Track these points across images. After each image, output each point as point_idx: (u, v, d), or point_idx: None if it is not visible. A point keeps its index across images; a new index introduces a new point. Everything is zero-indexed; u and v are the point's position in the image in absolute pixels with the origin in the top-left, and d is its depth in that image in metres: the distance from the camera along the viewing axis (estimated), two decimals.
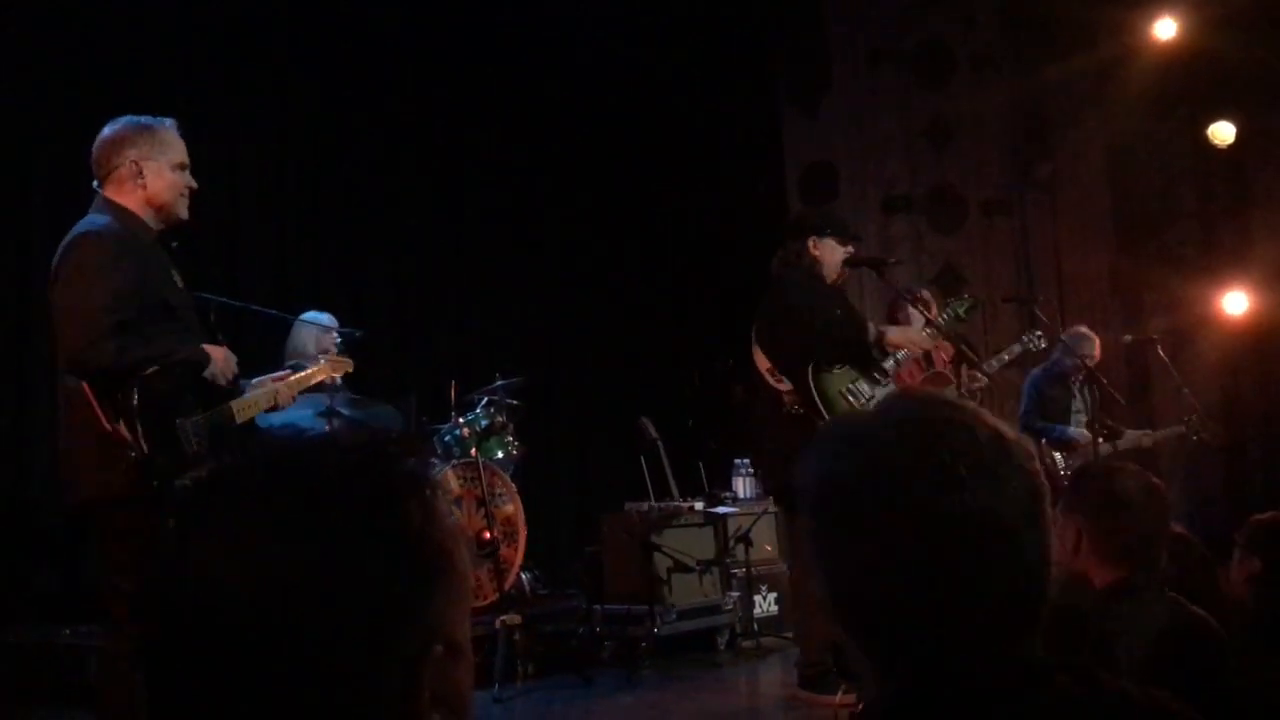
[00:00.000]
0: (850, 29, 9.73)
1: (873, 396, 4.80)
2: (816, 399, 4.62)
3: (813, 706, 4.58)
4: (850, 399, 4.73)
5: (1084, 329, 7.36)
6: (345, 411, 6.06)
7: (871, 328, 4.78)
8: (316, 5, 7.71)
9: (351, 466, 0.94)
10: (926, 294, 6.09)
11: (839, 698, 4.41)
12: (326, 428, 5.94)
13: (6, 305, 6.30)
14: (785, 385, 4.74)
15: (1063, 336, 7.25)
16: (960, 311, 5.28)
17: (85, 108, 6.41)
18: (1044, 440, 7.09)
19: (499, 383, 6.76)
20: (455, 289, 8.59)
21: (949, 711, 1.12)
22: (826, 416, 4.60)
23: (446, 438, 6.49)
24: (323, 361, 4.17)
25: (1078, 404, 7.19)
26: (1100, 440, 6.92)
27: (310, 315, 6.53)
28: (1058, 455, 7.02)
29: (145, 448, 3.02)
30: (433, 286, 8.46)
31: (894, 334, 4.82)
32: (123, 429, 3.02)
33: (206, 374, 3.31)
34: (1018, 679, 1.12)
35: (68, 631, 5.67)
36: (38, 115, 6.49)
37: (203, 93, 7.12)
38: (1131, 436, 7.01)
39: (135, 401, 3.03)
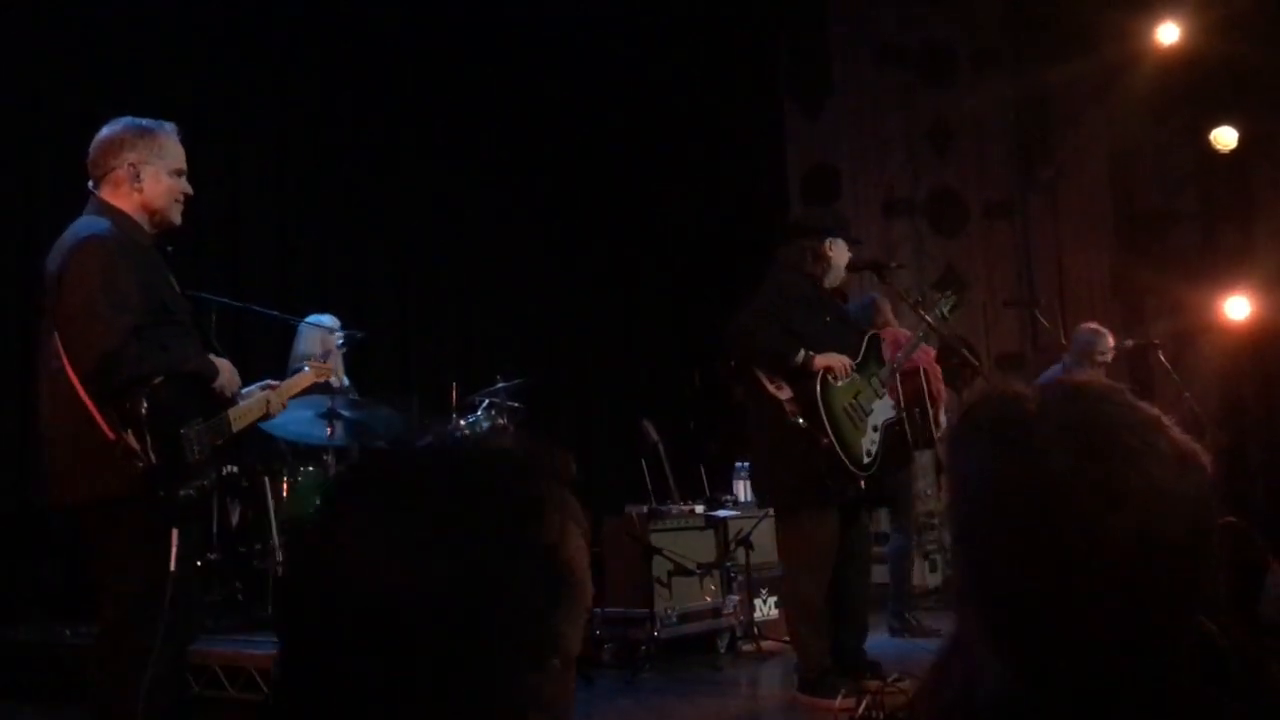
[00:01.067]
0: (853, 30, 9.74)
1: (870, 412, 4.81)
2: (823, 414, 4.60)
3: (813, 711, 4.58)
4: (851, 414, 4.72)
5: (1094, 325, 7.28)
6: (346, 413, 6.04)
7: (801, 352, 4.65)
8: (318, 5, 7.71)
9: (505, 474, 0.97)
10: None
11: (838, 701, 4.41)
12: (328, 430, 5.94)
13: (10, 304, 6.29)
14: (786, 393, 4.70)
15: (1076, 337, 7.20)
16: (945, 311, 5.27)
17: (87, 106, 6.42)
18: None
19: (500, 384, 6.76)
20: (456, 289, 8.59)
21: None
22: (830, 433, 4.59)
23: None
24: (307, 369, 4.15)
25: None
26: None
27: (314, 318, 6.53)
28: None
29: (153, 458, 3.01)
30: (434, 287, 8.46)
31: (821, 359, 4.68)
32: (130, 438, 3.00)
33: (216, 385, 3.31)
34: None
35: (69, 632, 5.67)
36: (40, 113, 6.49)
37: (204, 92, 7.12)
38: None
39: (145, 412, 3.02)
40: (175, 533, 3.05)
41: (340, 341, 6.49)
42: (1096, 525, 0.99)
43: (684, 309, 9.67)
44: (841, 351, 4.79)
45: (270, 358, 6.97)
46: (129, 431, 3.01)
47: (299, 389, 4.03)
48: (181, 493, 3.07)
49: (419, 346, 8.25)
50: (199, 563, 5.72)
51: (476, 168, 8.66)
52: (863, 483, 4.68)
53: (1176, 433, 1.06)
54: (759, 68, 9.71)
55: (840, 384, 4.69)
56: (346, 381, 6.53)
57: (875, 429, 4.78)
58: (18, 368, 6.21)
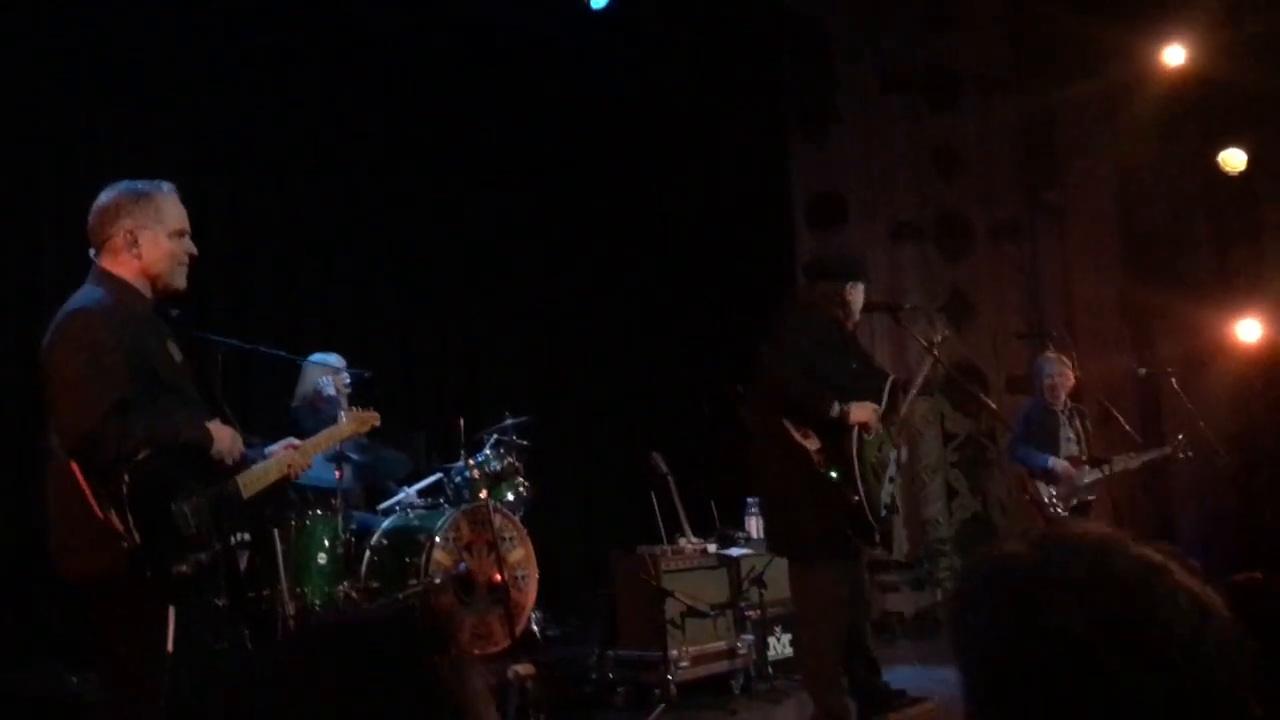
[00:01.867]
0: (857, 56, 9.69)
1: (888, 464, 4.75)
2: (856, 471, 4.52)
3: None
4: (875, 471, 4.66)
5: (1048, 354, 7.35)
6: (354, 456, 6.02)
7: (836, 405, 4.59)
8: (325, 45, 7.70)
9: (385, 630, 1.08)
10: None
11: None
12: (337, 473, 5.90)
13: (17, 341, 6.24)
14: (814, 443, 4.60)
15: (1034, 367, 7.35)
16: (937, 338, 5.23)
17: (96, 162, 6.43)
18: (1029, 470, 7.08)
19: (508, 421, 6.72)
20: (462, 326, 8.56)
21: None
22: (861, 491, 4.52)
23: (456, 479, 6.44)
24: (344, 419, 4.07)
25: (1067, 432, 7.12)
26: (1088, 468, 6.90)
27: (318, 356, 6.50)
28: (1043, 486, 6.98)
29: (137, 537, 2.94)
30: (440, 324, 8.43)
31: (856, 412, 4.62)
32: (114, 518, 2.93)
33: (213, 453, 3.22)
34: None
35: (75, 679, 5.62)
36: (46, 178, 6.46)
37: (210, 133, 7.11)
38: (1119, 461, 6.95)
39: (126, 490, 2.94)
40: (171, 611, 2.98)
41: (348, 380, 6.46)
42: (1123, 688, 0.96)
43: (692, 337, 9.62)
44: (866, 396, 4.73)
45: (276, 398, 6.95)
46: (113, 511, 2.94)
47: (333, 441, 3.95)
48: (175, 570, 3.00)
49: (426, 384, 8.22)
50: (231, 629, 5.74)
51: (481, 202, 8.64)
52: (878, 536, 4.64)
53: (1186, 577, 1.03)
54: (763, 95, 9.66)
55: (870, 438, 4.63)
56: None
57: (891, 480, 4.74)
58: (20, 414, 6.18)
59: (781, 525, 4.90)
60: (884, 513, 4.66)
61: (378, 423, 4.26)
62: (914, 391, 5.03)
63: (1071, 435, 7.10)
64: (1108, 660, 0.96)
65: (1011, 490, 8.52)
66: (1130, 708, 0.96)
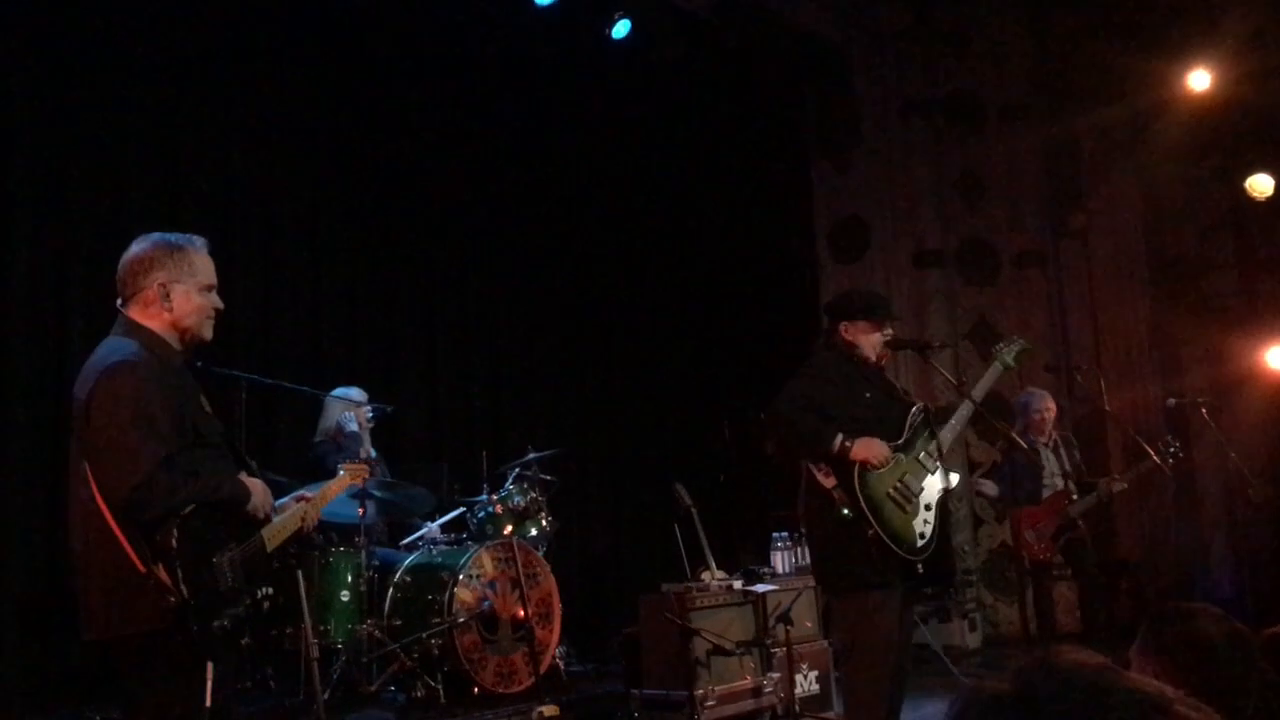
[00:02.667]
0: (879, 83, 9.67)
1: (921, 490, 4.66)
2: (863, 505, 4.47)
3: None
4: (897, 498, 4.59)
5: (1032, 389, 7.38)
6: (377, 493, 6.00)
7: (839, 439, 4.52)
8: (349, 82, 7.72)
9: None
10: None
11: None
12: (360, 510, 5.87)
13: (44, 374, 6.25)
14: (832, 481, 4.57)
15: (1017, 402, 7.40)
16: (1009, 359, 5.12)
17: (123, 216, 6.45)
18: (1013, 514, 7.08)
19: (530, 455, 6.68)
20: (486, 359, 8.54)
21: None
22: (875, 523, 4.46)
23: (480, 514, 6.40)
24: (341, 472, 4.06)
25: (1052, 466, 7.08)
26: (1074, 498, 6.87)
27: (341, 391, 6.48)
28: (1025, 531, 6.96)
29: (185, 591, 2.92)
30: (464, 358, 8.41)
31: (859, 448, 4.54)
32: (161, 572, 2.91)
33: (248, 509, 3.20)
34: None
35: (98, 718, 5.60)
36: (72, 222, 6.48)
37: (234, 166, 7.12)
38: (1103, 485, 6.88)
39: (175, 545, 2.93)
40: (210, 665, 2.95)
41: (370, 414, 6.44)
42: None
43: (713, 364, 9.58)
44: (884, 427, 4.67)
45: (300, 432, 6.94)
46: (160, 565, 2.91)
47: (335, 494, 3.94)
48: (215, 624, 2.98)
49: (449, 417, 8.19)
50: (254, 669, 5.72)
51: (504, 236, 8.64)
52: (920, 567, 4.55)
53: (1187, 709, 1.00)
54: (786, 123, 9.65)
55: (881, 471, 4.56)
56: (374, 453, 6.47)
57: (929, 507, 4.64)
58: (44, 449, 6.18)
59: (819, 562, 4.87)
60: (921, 542, 4.57)
61: (368, 475, 4.26)
62: (954, 429, 4.95)
63: (1057, 469, 7.06)
64: None
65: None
66: None
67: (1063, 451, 7.08)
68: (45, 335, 6.32)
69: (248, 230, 7.05)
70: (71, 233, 6.46)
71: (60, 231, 6.45)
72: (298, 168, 7.51)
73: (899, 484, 4.60)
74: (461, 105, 8.33)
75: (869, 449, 4.52)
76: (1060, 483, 6.99)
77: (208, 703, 2.94)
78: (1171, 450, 6.93)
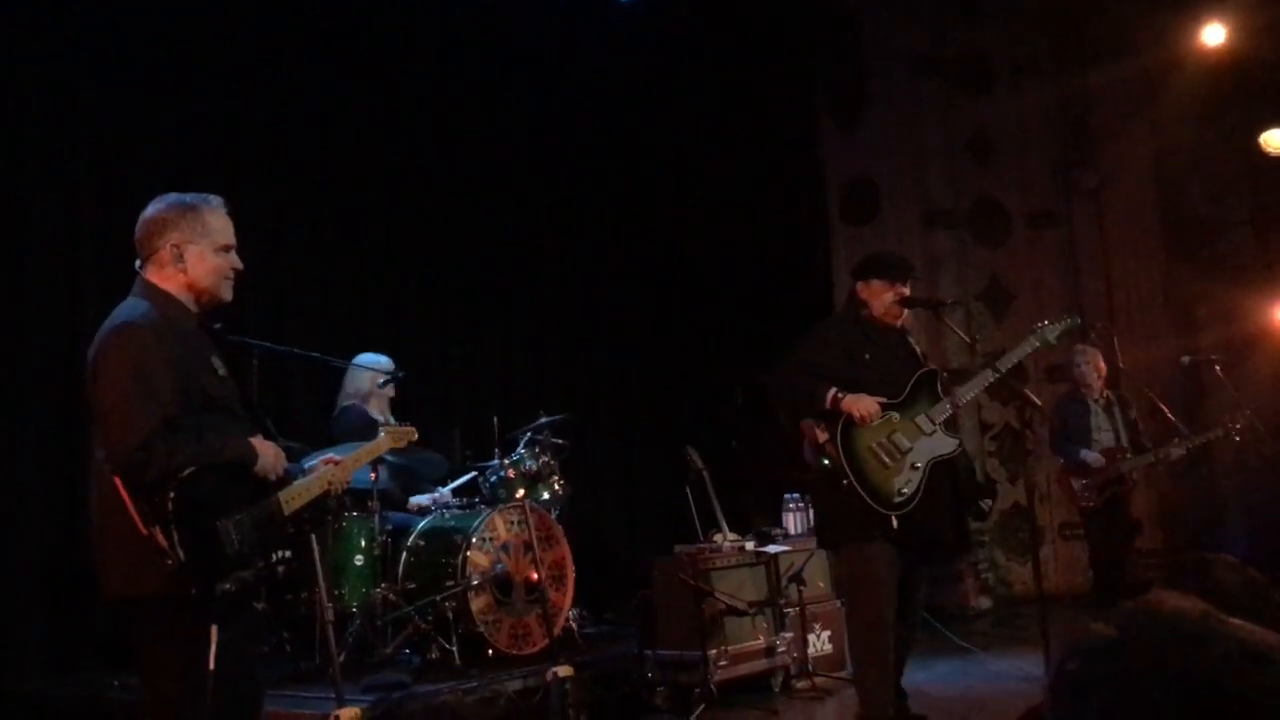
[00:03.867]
0: (889, 41, 9.58)
1: (910, 449, 4.68)
2: (841, 454, 4.57)
3: None
4: (882, 455, 4.62)
5: (1079, 345, 7.26)
6: (390, 458, 6.00)
7: (831, 392, 4.64)
8: (362, 50, 7.68)
9: None
10: None
11: None
12: (372, 474, 5.88)
13: (57, 347, 6.26)
14: (823, 435, 4.68)
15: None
16: (1051, 338, 5.11)
17: (134, 168, 6.44)
18: (1063, 463, 7.03)
19: (542, 420, 6.68)
20: (497, 323, 8.53)
21: None
22: (850, 474, 4.55)
23: (492, 479, 6.41)
24: (383, 434, 4.04)
25: (1099, 421, 7.05)
26: (1130, 456, 6.83)
27: (365, 358, 6.47)
28: (1074, 480, 6.94)
29: (182, 555, 2.91)
30: (474, 322, 8.40)
31: (849, 401, 4.63)
32: (159, 535, 2.90)
33: (256, 469, 3.19)
34: None
35: (116, 684, 5.64)
36: (86, 185, 6.49)
37: (246, 136, 7.10)
38: (1164, 451, 6.84)
39: (171, 508, 2.92)
40: (214, 629, 2.94)
41: (381, 382, 6.44)
42: None
43: (725, 328, 9.56)
44: (884, 388, 4.71)
45: (312, 400, 6.95)
46: (157, 528, 2.91)
47: (371, 457, 3.92)
48: (219, 588, 2.97)
49: (460, 383, 8.19)
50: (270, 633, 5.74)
51: (513, 200, 8.60)
52: (894, 520, 4.59)
53: None
54: (795, 83, 9.57)
55: (870, 426, 4.63)
56: (393, 421, 6.47)
57: (915, 467, 4.66)
58: (63, 414, 6.21)
59: (817, 517, 5.09)
60: (898, 499, 4.61)
61: (415, 438, 4.21)
62: (967, 395, 4.96)
63: (1106, 425, 7.01)
64: None
65: (1050, 480, 8.42)
66: None
67: (1117, 410, 7.03)
68: (57, 302, 6.33)
69: (257, 196, 7.01)
70: (82, 196, 6.46)
71: (71, 195, 6.45)
72: (306, 134, 7.48)
73: (885, 440, 4.67)
74: (469, 69, 8.30)
75: (857, 403, 4.62)
76: (1109, 439, 6.97)
77: (210, 666, 2.93)
78: (1238, 426, 6.86)
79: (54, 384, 6.23)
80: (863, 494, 4.55)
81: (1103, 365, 7.12)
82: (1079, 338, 7.50)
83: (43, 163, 6.41)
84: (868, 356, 4.81)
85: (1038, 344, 5.03)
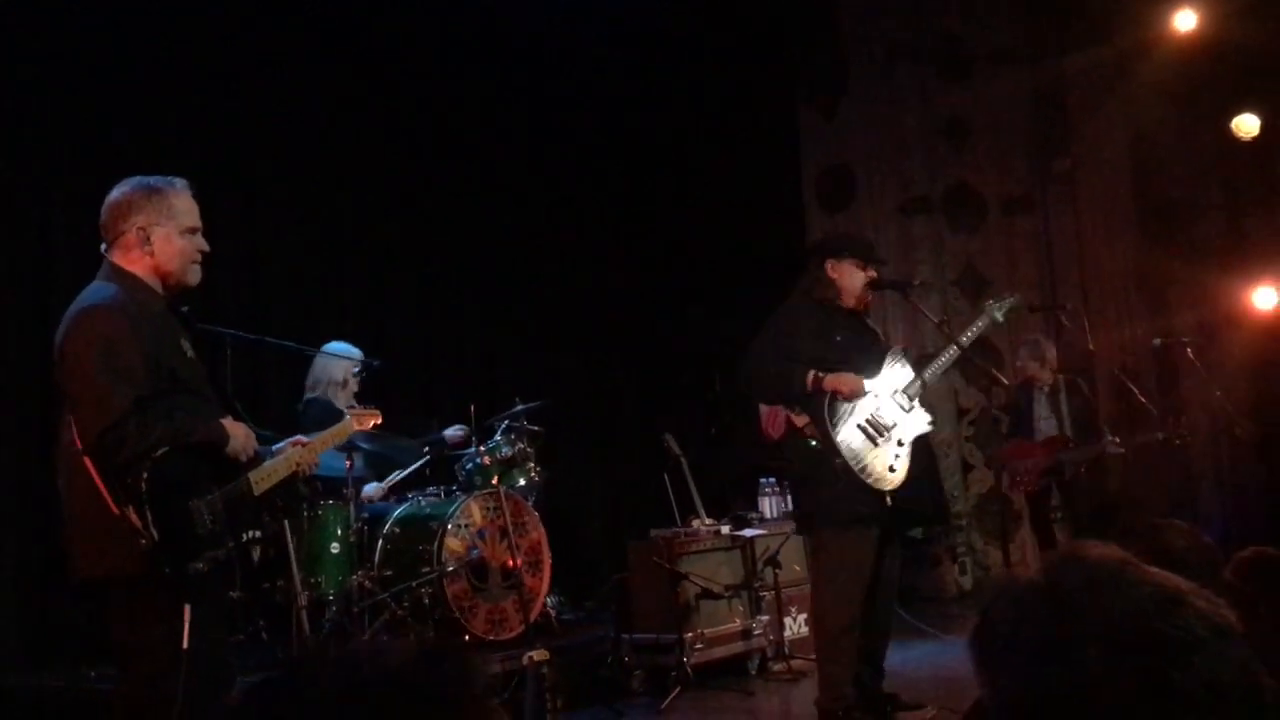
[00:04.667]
0: (866, 27, 9.60)
1: (894, 425, 4.70)
2: (832, 434, 4.55)
3: None
4: (871, 432, 4.63)
5: (1026, 337, 7.47)
6: (365, 445, 6.00)
7: (810, 374, 4.61)
8: (335, 32, 7.65)
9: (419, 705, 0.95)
10: None
11: None
12: (347, 463, 5.89)
13: (32, 335, 6.24)
14: (803, 418, 4.65)
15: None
16: (998, 315, 5.15)
17: (107, 153, 6.40)
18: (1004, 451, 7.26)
19: (519, 407, 6.70)
20: (475, 311, 8.53)
21: None
22: (842, 455, 4.54)
23: (468, 465, 6.43)
24: (348, 417, 4.07)
25: (1041, 410, 7.15)
26: (1071, 445, 6.92)
27: (335, 346, 6.46)
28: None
29: (155, 534, 2.93)
30: (453, 310, 8.40)
31: (831, 379, 4.63)
32: (132, 515, 2.92)
33: (228, 450, 3.21)
34: None
35: (93, 674, 5.65)
36: (58, 171, 6.45)
37: (222, 121, 7.07)
38: (1100, 443, 6.90)
39: (144, 487, 2.94)
40: (188, 609, 2.97)
41: (356, 370, 6.44)
42: None
43: (702, 315, 9.57)
44: (859, 370, 4.73)
45: (286, 389, 6.94)
46: (130, 507, 2.93)
47: (337, 439, 3.96)
48: (191, 567, 2.99)
49: (438, 370, 8.19)
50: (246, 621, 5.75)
51: (490, 187, 8.58)
52: (888, 499, 4.61)
53: (1201, 600, 1.04)
54: (772, 69, 9.58)
55: (853, 403, 4.63)
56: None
57: (901, 444, 4.69)
58: (38, 408, 6.19)
59: (796, 503, 4.98)
60: (890, 475, 4.64)
61: (379, 420, 4.26)
62: (936, 372, 4.97)
63: (1048, 413, 7.11)
64: (1133, 702, 0.98)
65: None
66: None
67: (1063, 398, 7.09)
68: (29, 289, 6.31)
69: (233, 182, 7.00)
70: (54, 176, 6.42)
71: (42, 175, 6.42)
72: (284, 120, 7.44)
73: (871, 418, 4.67)
74: (446, 53, 8.27)
75: (840, 380, 4.62)
76: (1051, 427, 7.02)
77: (184, 645, 2.96)
78: (1180, 436, 7.02)
79: (27, 372, 6.21)
80: (857, 474, 4.55)
81: (1051, 355, 7.21)
82: (1037, 328, 7.62)
83: (15, 144, 6.35)
84: (839, 338, 4.83)
85: (988, 321, 5.06)
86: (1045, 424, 7.07)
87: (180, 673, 2.96)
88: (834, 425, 4.59)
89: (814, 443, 4.65)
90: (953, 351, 4.94)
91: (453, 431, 6.64)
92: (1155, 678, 0.98)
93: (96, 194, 3.49)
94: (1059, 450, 6.85)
